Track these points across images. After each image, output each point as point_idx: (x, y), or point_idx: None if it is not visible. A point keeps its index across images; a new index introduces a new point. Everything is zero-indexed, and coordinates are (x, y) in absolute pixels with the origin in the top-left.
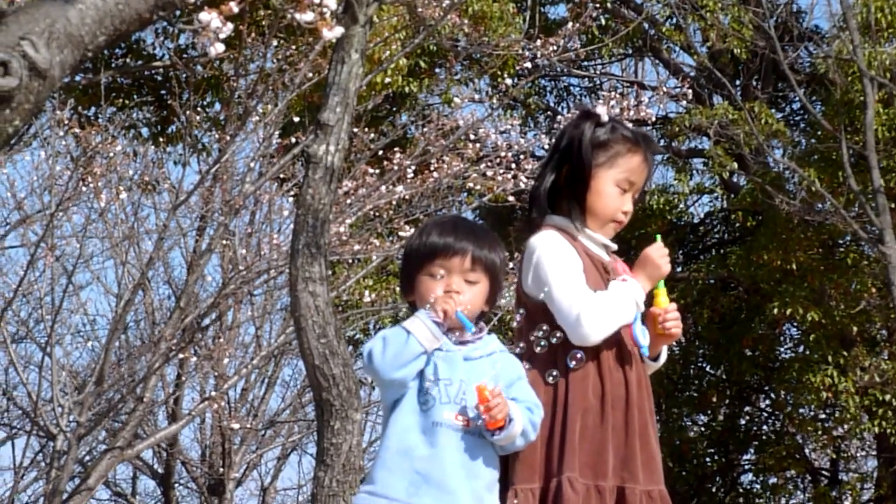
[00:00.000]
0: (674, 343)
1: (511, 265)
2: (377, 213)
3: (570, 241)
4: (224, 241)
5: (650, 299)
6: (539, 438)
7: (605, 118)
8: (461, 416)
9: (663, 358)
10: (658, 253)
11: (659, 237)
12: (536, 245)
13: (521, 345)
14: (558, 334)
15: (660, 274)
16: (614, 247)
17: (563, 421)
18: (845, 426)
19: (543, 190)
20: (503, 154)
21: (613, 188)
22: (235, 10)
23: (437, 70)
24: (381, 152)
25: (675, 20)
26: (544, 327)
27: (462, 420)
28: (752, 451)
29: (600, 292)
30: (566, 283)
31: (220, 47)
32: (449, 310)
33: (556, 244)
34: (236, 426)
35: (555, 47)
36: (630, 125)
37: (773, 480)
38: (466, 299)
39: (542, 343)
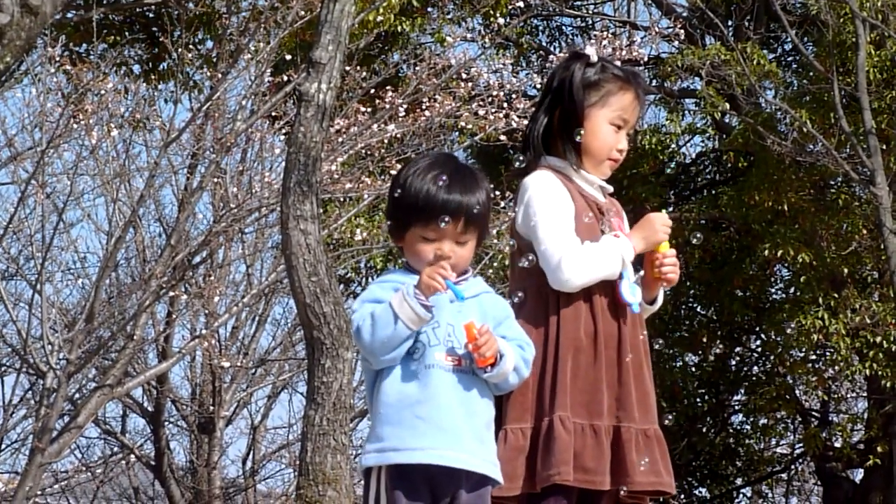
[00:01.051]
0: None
1: (503, 204)
2: (369, 152)
3: (564, 182)
4: (215, 179)
5: (640, 259)
6: (530, 378)
7: (594, 58)
8: (451, 356)
9: (660, 301)
10: (660, 220)
11: (664, 212)
12: (529, 185)
13: (520, 294)
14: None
15: (656, 240)
16: (610, 188)
17: (554, 360)
18: (836, 367)
19: (537, 132)
20: (495, 93)
21: (607, 126)
22: None
23: (430, 9)
24: (372, 91)
25: None
26: (530, 256)
27: (453, 360)
28: (742, 391)
29: (587, 243)
30: (552, 226)
31: None
32: (439, 286)
33: (549, 185)
34: (227, 364)
35: None
36: (620, 64)
37: (763, 421)
38: (456, 260)
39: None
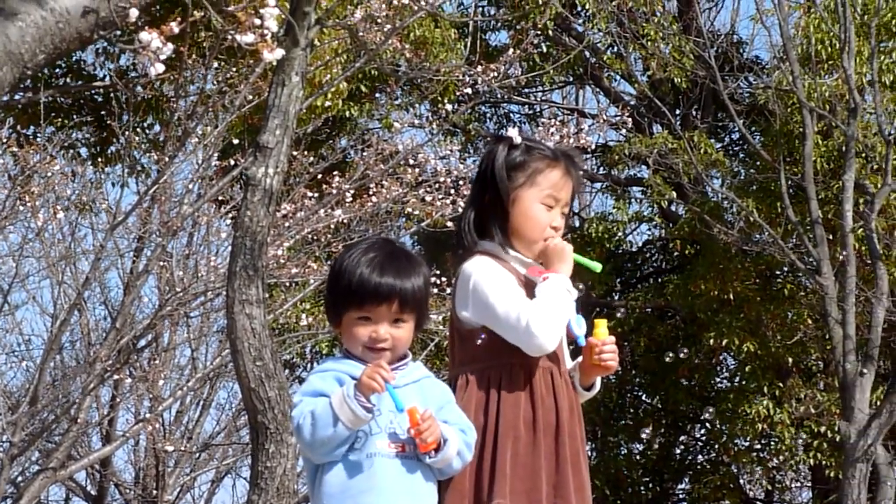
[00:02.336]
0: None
1: (448, 290)
2: (315, 237)
3: (501, 264)
4: (161, 263)
5: (590, 330)
6: (469, 465)
7: (517, 140)
8: (394, 442)
9: (596, 388)
10: (553, 242)
11: (559, 239)
12: (471, 271)
13: (460, 379)
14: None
15: (568, 257)
16: (541, 267)
17: (493, 447)
18: (780, 457)
19: (469, 219)
20: (442, 179)
21: (538, 206)
22: (176, 30)
23: (378, 94)
24: (320, 176)
25: (616, 49)
26: (482, 335)
27: (396, 446)
28: (687, 480)
29: (535, 299)
30: (507, 298)
31: (161, 68)
32: (378, 388)
33: (489, 266)
34: (171, 448)
35: (496, 74)
36: (548, 143)
37: None
38: (393, 343)
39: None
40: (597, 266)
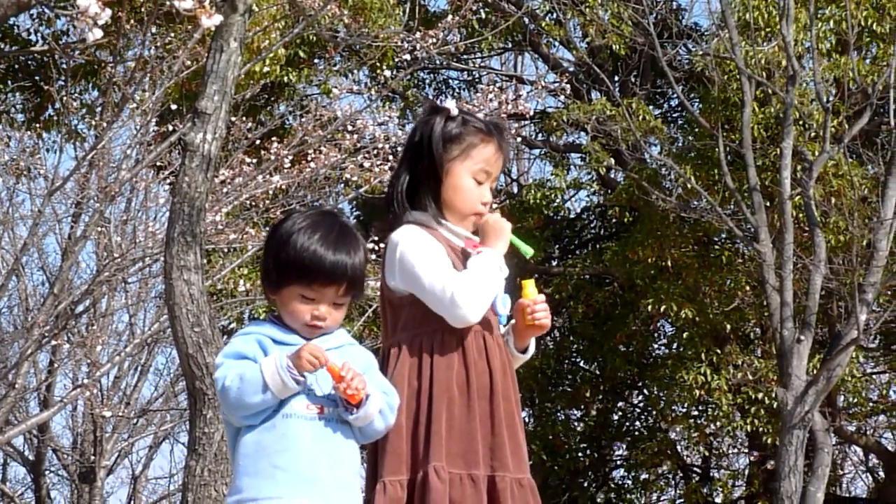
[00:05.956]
0: (548, 337)
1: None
2: (254, 203)
3: (431, 234)
4: (99, 228)
5: (518, 291)
6: (405, 429)
7: (454, 111)
8: (313, 404)
9: (531, 350)
10: (493, 218)
11: (498, 213)
12: (398, 240)
13: (393, 348)
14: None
15: (505, 235)
16: (477, 240)
17: (428, 411)
18: (717, 423)
19: (400, 188)
20: (381, 145)
21: (470, 180)
22: None
23: (316, 60)
24: (258, 142)
25: (554, 15)
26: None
27: (315, 408)
28: (624, 446)
29: (464, 270)
30: (433, 268)
31: (98, 33)
32: (312, 370)
33: (417, 235)
34: (108, 414)
35: (434, 40)
36: (481, 116)
37: (644, 476)
38: (330, 322)
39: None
40: (529, 251)
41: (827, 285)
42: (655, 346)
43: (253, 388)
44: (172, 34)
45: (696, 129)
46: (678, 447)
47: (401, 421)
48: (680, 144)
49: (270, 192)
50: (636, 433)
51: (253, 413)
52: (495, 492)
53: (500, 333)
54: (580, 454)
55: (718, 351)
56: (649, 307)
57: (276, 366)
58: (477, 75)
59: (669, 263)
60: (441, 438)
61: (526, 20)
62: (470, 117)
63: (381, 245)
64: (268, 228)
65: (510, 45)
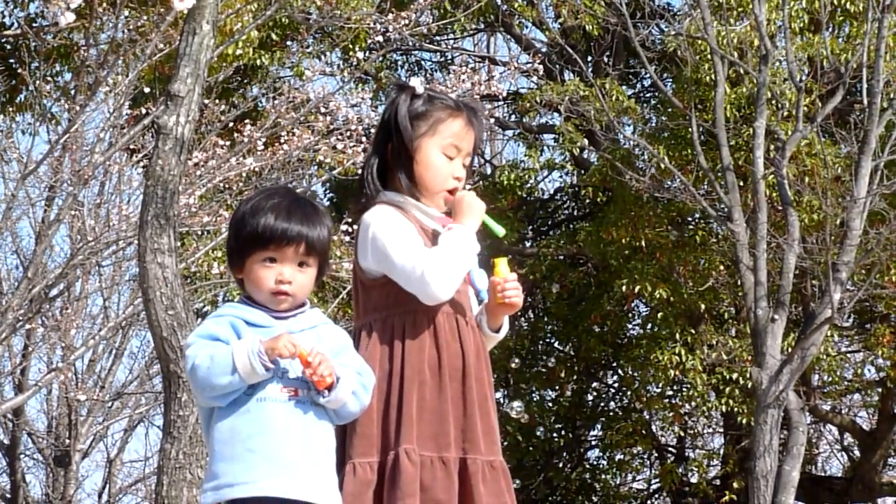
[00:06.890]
0: (522, 318)
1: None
2: (227, 185)
3: (404, 214)
4: (73, 212)
5: (490, 270)
6: (376, 412)
7: (419, 89)
8: (286, 387)
9: (505, 330)
10: (466, 195)
11: (469, 191)
12: (370, 220)
13: (364, 329)
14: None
15: (476, 211)
16: (450, 220)
17: (399, 393)
18: (692, 403)
19: (371, 169)
20: (354, 127)
21: (440, 156)
22: None
23: (289, 43)
24: (231, 124)
25: None
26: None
27: (288, 391)
28: (599, 427)
29: (434, 248)
30: (404, 247)
31: (71, 17)
32: (286, 356)
33: (388, 215)
34: (83, 397)
35: (407, 21)
36: (450, 94)
37: (619, 457)
38: (296, 287)
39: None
40: (501, 231)
41: (801, 264)
42: (630, 326)
43: (221, 370)
44: (145, 17)
45: (670, 110)
46: (653, 427)
47: (371, 402)
48: (653, 124)
49: (244, 174)
50: (611, 414)
51: (220, 394)
52: (466, 474)
53: (474, 315)
54: (555, 435)
55: (693, 331)
56: (623, 287)
57: (248, 351)
58: (449, 57)
59: (643, 244)
60: (412, 420)
61: (498, 1)
62: (436, 94)
63: (355, 227)
64: None
65: (483, 27)
